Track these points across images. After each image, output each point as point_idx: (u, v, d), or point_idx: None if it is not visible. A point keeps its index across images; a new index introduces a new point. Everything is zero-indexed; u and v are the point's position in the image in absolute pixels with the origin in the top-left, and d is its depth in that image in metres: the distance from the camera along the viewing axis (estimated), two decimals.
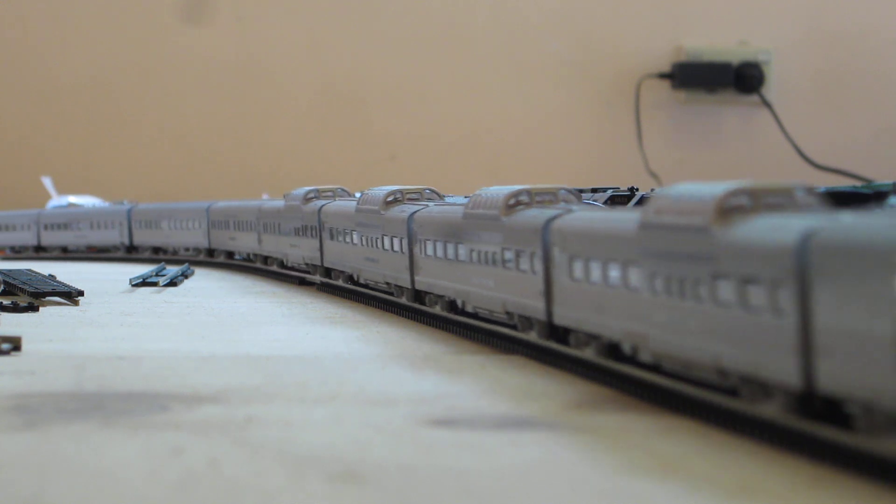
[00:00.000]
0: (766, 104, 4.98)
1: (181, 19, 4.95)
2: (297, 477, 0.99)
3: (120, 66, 4.96)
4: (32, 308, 2.12)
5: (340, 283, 2.36)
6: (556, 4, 5.05)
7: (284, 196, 2.74)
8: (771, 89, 5.01)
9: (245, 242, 3.04)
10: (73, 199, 4.21)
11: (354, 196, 2.48)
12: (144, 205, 3.72)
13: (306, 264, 2.58)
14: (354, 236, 2.21)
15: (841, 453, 0.96)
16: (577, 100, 5.08)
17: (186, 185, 4.97)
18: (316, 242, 2.46)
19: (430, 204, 1.97)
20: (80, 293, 2.28)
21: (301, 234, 2.56)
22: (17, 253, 3.90)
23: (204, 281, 2.85)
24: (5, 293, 2.32)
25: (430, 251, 1.83)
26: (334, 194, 2.58)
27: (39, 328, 1.91)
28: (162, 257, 3.42)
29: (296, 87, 5.00)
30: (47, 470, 1.01)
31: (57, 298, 2.26)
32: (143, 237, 3.58)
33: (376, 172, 4.93)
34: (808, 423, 1.01)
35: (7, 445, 1.11)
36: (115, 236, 3.66)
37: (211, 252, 3.30)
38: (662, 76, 5.02)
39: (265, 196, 4.55)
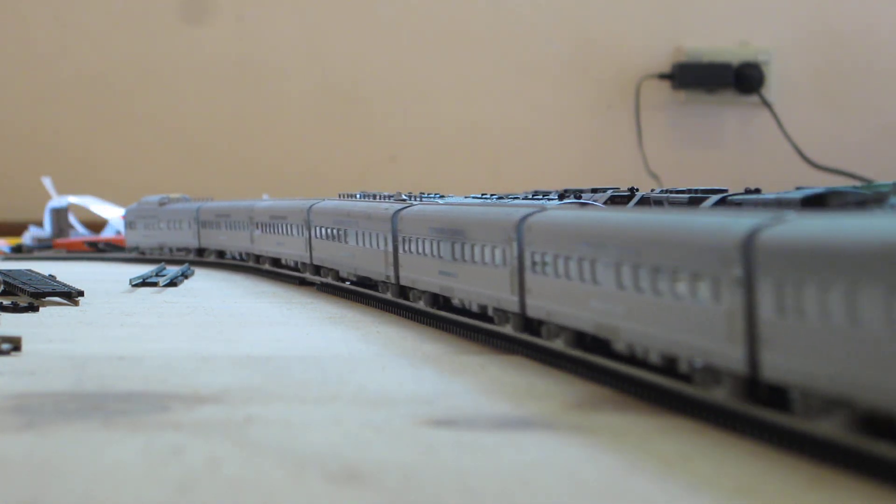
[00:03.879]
0: (766, 104, 4.98)
1: (182, 19, 4.95)
2: (297, 477, 0.99)
3: (120, 66, 4.96)
4: (32, 308, 2.12)
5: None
6: (556, 4, 5.05)
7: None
8: (771, 89, 5.01)
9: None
10: (73, 199, 4.21)
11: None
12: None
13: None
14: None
15: (841, 453, 0.97)
16: (577, 100, 5.08)
17: (186, 185, 4.97)
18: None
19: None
20: (80, 293, 2.28)
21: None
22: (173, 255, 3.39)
23: (204, 281, 2.85)
24: (5, 293, 2.32)
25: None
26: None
27: (39, 328, 1.90)
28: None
29: (296, 87, 5.00)
30: (47, 470, 1.01)
31: (57, 298, 2.26)
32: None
33: (376, 172, 4.93)
34: (808, 424, 1.01)
35: (7, 445, 1.11)
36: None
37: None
38: (662, 76, 5.02)
39: (265, 197, 4.55)
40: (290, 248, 2.65)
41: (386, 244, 2.02)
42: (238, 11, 4.99)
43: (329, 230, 2.38)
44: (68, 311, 2.16)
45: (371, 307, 2.18)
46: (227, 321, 2.06)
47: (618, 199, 1.97)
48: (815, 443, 0.99)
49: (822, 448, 0.99)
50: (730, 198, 1.69)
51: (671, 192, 1.85)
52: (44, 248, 3.95)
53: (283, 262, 2.76)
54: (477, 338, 1.69)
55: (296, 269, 2.67)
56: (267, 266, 2.87)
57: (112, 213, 4.22)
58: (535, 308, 1.48)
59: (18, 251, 3.91)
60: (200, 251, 3.28)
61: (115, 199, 4.35)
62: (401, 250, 1.97)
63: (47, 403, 1.28)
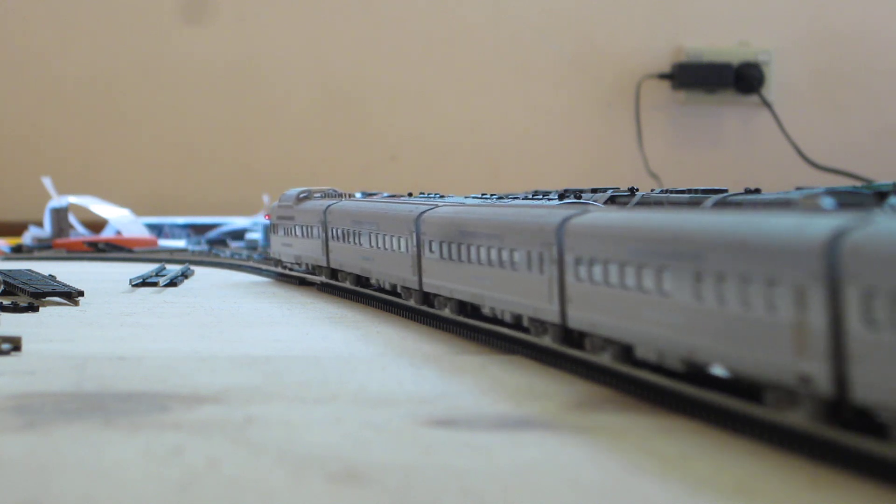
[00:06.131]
0: (766, 104, 4.98)
1: (182, 20, 4.95)
2: (297, 477, 0.99)
3: (120, 67, 4.96)
4: (32, 308, 2.12)
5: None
6: (556, 5, 5.05)
7: None
8: (771, 89, 5.01)
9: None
10: (73, 199, 4.21)
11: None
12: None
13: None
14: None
15: (841, 453, 0.96)
16: (577, 100, 5.08)
17: (187, 185, 4.97)
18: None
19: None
20: (80, 293, 2.28)
21: None
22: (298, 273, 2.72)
23: (204, 281, 2.85)
24: (5, 293, 2.32)
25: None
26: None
27: (39, 328, 1.90)
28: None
29: (296, 88, 5.00)
30: (47, 470, 1.01)
31: (57, 298, 2.26)
32: None
33: (376, 173, 4.93)
34: (807, 424, 1.01)
35: (7, 445, 1.11)
36: None
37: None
38: (662, 76, 5.02)
39: (265, 197, 4.55)
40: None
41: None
42: (238, 12, 4.99)
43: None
44: (68, 311, 2.16)
45: (371, 307, 2.18)
46: (227, 321, 2.06)
47: (618, 199, 1.97)
48: (816, 443, 0.99)
49: (823, 448, 0.99)
50: (730, 198, 1.69)
51: (671, 192, 1.85)
52: (44, 248, 3.95)
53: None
54: (477, 338, 1.69)
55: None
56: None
57: (112, 213, 4.22)
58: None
59: (18, 251, 3.91)
60: (332, 273, 2.41)
61: (114, 200, 4.35)
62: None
63: (47, 403, 1.28)
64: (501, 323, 1.60)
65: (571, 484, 0.97)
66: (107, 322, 2.02)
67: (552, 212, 1.44)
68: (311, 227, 2.48)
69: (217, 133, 5.00)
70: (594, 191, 2.06)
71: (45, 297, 2.25)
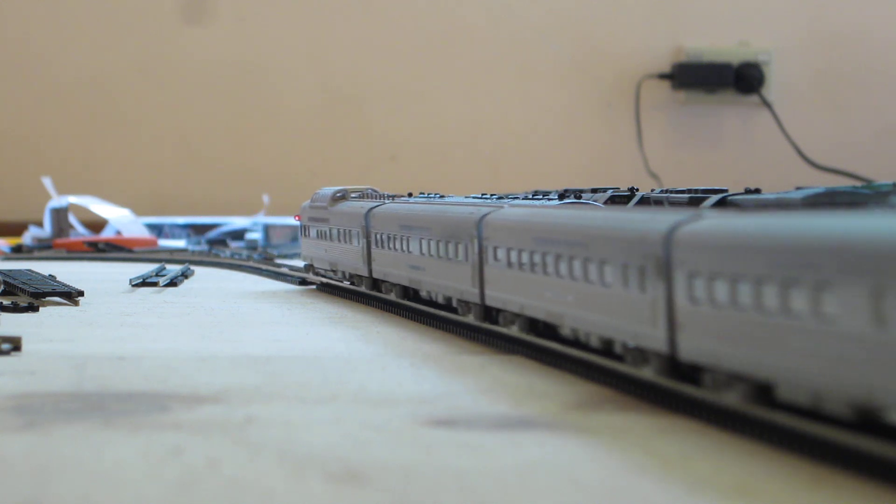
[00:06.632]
0: (766, 104, 4.98)
1: (182, 20, 4.95)
2: (297, 477, 0.99)
3: (120, 67, 4.96)
4: (32, 308, 2.12)
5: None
6: (556, 5, 5.05)
7: None
8: (771, 89, 5.01)
9: None
10: (73, 199, 4.21)
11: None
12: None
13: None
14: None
15: (841, 453, 0.97)
16: (577, 100, 5.08)
17: (187, 185, 4.97)
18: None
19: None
20: (80, 293, 2.28)
21: None
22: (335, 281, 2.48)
23: (204, 281, 2.85)
24: (5, 293, 2.32)
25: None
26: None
27: (39, 328, 1.90)
28: None
29: (296, 88, 5.00)
30: (47, 470, 1.01)
31: (57, 298, 2.26)
32: None
33: (376, 173, 4.93)
34: (807, 424, 1.01)
35: (7, 445, 1.11)
36: None
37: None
38: (662, 76, 5.02)
39: (265, 197, 4.55)
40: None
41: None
42: (238, 12, 4.99)
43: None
44: (68, 311, 2.16)
45: (371, 307, 2.17)
46: (227, 321, 2.06)
47: (618, 199, 1.97)
48: (816, 443, 0.99)
49: (823, 448, 0.99)
50: (730, 198, 1.69)
51: (671, 192, 1.85)
52: (44, 248, 3.95)
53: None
54: (477, 338, 1.69)
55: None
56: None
57: (112, 213, 4.22)
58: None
59: (18, 251, 3.91)
60: (374, 284, 2.20)
61: (114, 200, 4.35)
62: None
63: (47, 403, 1.28)
64: (586, 347, 1.38)
65: (571, 484, 0.97)
66: (107, 322, 2.02)
67: (657, 217, 1.23)
68: (350, 232, 2.25)
69: (217, 133, 5.00)
70: (594, 191, 2.06)
71: (45, 297, 2.25)
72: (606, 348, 1.33)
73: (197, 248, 4.02)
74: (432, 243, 1.81)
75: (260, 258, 3.46)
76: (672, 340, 1.17)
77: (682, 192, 1.82)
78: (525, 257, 1.48)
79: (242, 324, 2.04)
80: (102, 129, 4.97)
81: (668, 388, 1.20)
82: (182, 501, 0.93)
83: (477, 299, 1.66)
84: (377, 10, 5.02)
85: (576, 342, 1.40)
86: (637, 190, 1.98)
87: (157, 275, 2.79)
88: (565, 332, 1.42)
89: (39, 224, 4.14)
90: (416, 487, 0.96)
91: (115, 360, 1.58)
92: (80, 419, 1.20)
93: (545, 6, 5.05)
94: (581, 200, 1.97)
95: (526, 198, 2.18)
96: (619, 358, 1.30)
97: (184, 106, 4.98)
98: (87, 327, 1.95)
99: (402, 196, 2.38)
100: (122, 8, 4.97)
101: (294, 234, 4.17)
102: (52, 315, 2.09)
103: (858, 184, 3.49)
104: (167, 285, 2.65)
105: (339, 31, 5.00)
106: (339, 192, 2.42)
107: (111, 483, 0.98)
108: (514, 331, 1.56)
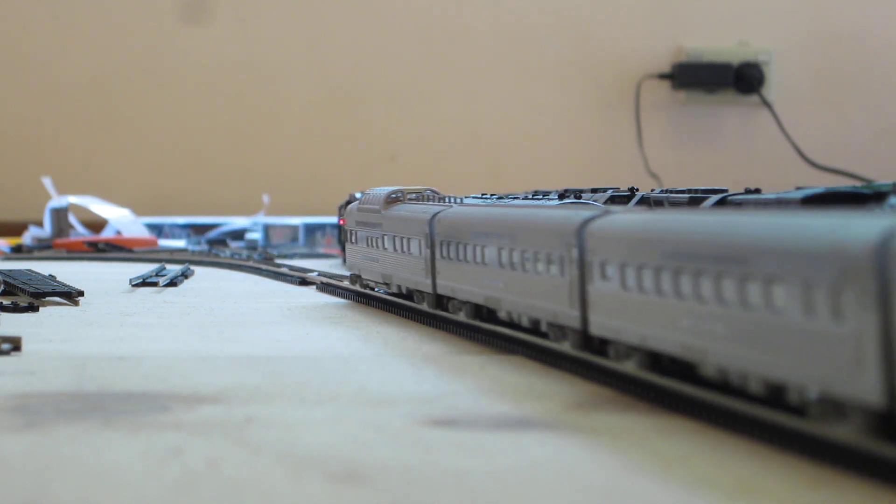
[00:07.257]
0: (766, 104, 4.98)
1: (182, 20, 4.95)
2: (297, 477, 0.99)
3: (120, 67, 4.96)
4: (32, 308, 2.12)
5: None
6: (556, 5, 5.05)
7: None
8: (771, 89, 5.01)
9: None
10: (73, 199, 4.21)
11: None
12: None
13: None
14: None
15: (841, 453, 0.97)
16: (577, 100, 5.08)
17: (187, 185, 4.97)
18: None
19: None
20: (80, 293, 2.28)
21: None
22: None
23: (204, 281, 2.85)
24: (5, 293, 2.32)
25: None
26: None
27: (39, 328, 1.91)
28: None
29: (296, 88, 5.00)
30: (47, 470, 1.01)
31: (57, 298, 2.26)
32: None
33: (376, 173, 4.93)
34: (807, 423, 1.01)
35: (7, 445, 1.11)
36: None
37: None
38: (662, 77, 5.02)
39: (265, 198, 4.55)
40: None
41: None
42: (238, 12, 4.99)
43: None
44: (68, 311, 2.16)
45: (371, 307, 2.17)
46: (227, 321, 2.06)
47: (618, 199, 1.97)
48: (816, 443, 0.99)
49: (823, 448, 0.99)
50: (730, 198, 1.69)
51: (671, 192, 1.85)
52: (44, 248, 3.95)
53: None
54: (477, 338, 1.69)
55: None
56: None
57: (112, 213, 4.22)
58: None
59: (18, 251, 3.91)
60: (439, 301, 1.88)
61: (114, 200, 4.35)
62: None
63: (47, 403, 1.28)
64: (728, 389, 1.13)
65: (572, 484, 0.97)
66: (107, 322, 2.02)
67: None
68: (410, 240, 1.95)
69: (217, 133, 5.00)
70: (594, 191, 2.06)
71: (45, 297, 2.25)
72: (753, 395, 1.09)
73: (197, 248, 4.03)
74: (516, 254, 1.54)
75: (260, 258, 3.46)
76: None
77: (682, 192, 1.82)
78: (648, 276, 1.21)
79: (242, 324, 2.04)
80: (102, 129, 4.97)
81: (669, 388, 1.20)
82: (182, 501, 0.93)
83: (577, 324, 1.39)
84: (377, 11, 5.02)
85: (716, 384, 1.15)
86: (637, 190, 1.98)
87: (157, 275, 2.79)
88: (709, 371, 1.14)
89: (39, 224, 4.14)
90: (416, 487, 0.96)
91: (114, 360, 1.58)
92: (80, 419, 1.20)
93: (545, 7, 5.05)
94: (582, 201, 1.97)
95: (526, 198, 2.18)
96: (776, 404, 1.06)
97: (184, 106, 4.98)
98: (87, 327, 1.95)
99: (471, 197, 2.15)
100: (122, 8, 4.97)
101: (293, 234, 4.17)
102: (52, 315, 2.09)
103: (858, 184, 3.49)
104: (167, 285, 2.65)
105: (339, 31, 5.00)
106: (394, 192, 2.12)
107: (111, 483, 0.98)
108: (629, 367, 1.28)
